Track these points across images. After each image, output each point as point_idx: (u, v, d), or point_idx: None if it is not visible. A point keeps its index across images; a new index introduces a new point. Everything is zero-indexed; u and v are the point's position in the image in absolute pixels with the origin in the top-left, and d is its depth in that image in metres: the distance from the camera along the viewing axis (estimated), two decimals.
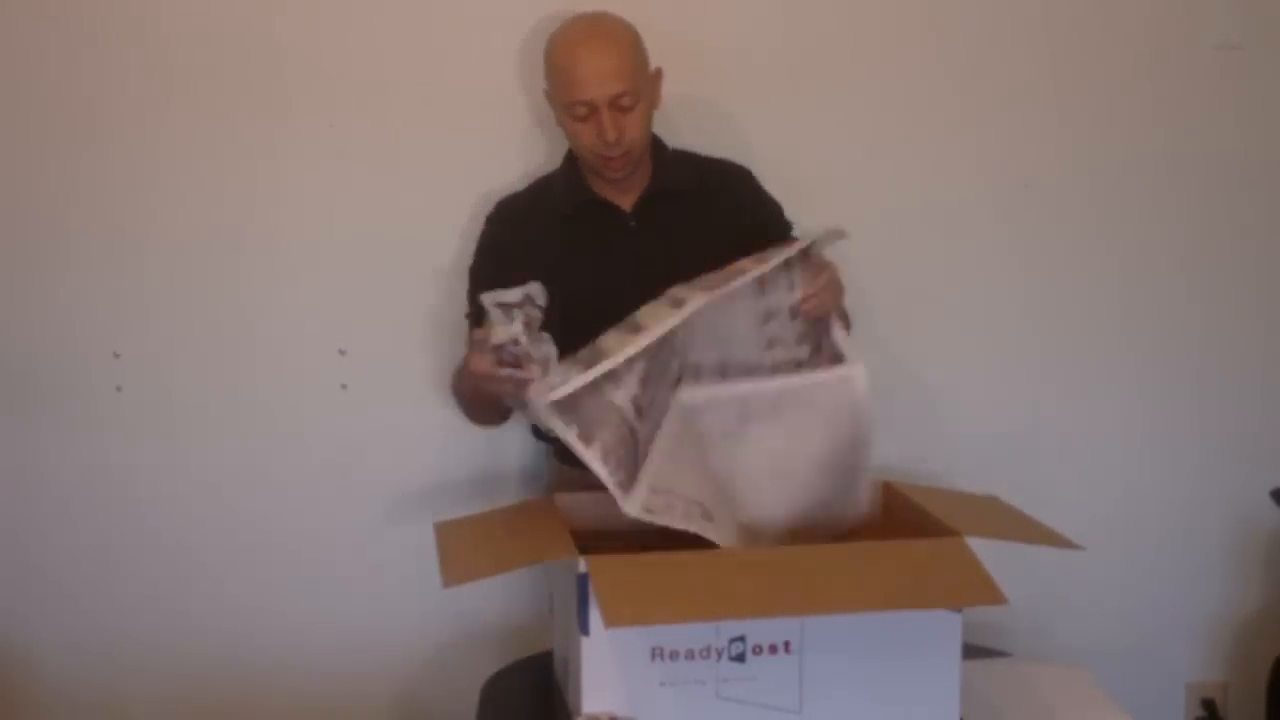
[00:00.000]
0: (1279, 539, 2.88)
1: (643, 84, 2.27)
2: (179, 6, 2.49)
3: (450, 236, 2.56)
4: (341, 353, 2.59)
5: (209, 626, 2.61)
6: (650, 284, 2.12)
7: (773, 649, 1.84)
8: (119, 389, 2.54)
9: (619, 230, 2.36)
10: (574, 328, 2.02)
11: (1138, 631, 2.86)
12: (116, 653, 2.59)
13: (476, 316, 2.22)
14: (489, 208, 2.47)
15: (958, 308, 2.75)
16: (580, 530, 1.96)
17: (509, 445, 2.63)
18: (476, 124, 2.57)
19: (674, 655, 1.82)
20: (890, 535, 2.12)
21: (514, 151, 2.57)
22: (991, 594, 1.76)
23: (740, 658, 1.83)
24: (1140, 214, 2.79)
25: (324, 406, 2.59)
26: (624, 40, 2.26)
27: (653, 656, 1.82)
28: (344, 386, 2.59)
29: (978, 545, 1.85)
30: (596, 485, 1.93)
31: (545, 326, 1.98)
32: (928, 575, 1.85)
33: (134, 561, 2.58)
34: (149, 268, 2.53)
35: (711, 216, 2.37)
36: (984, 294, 2.76)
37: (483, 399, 2.18)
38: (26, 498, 2.56)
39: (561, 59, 2.26)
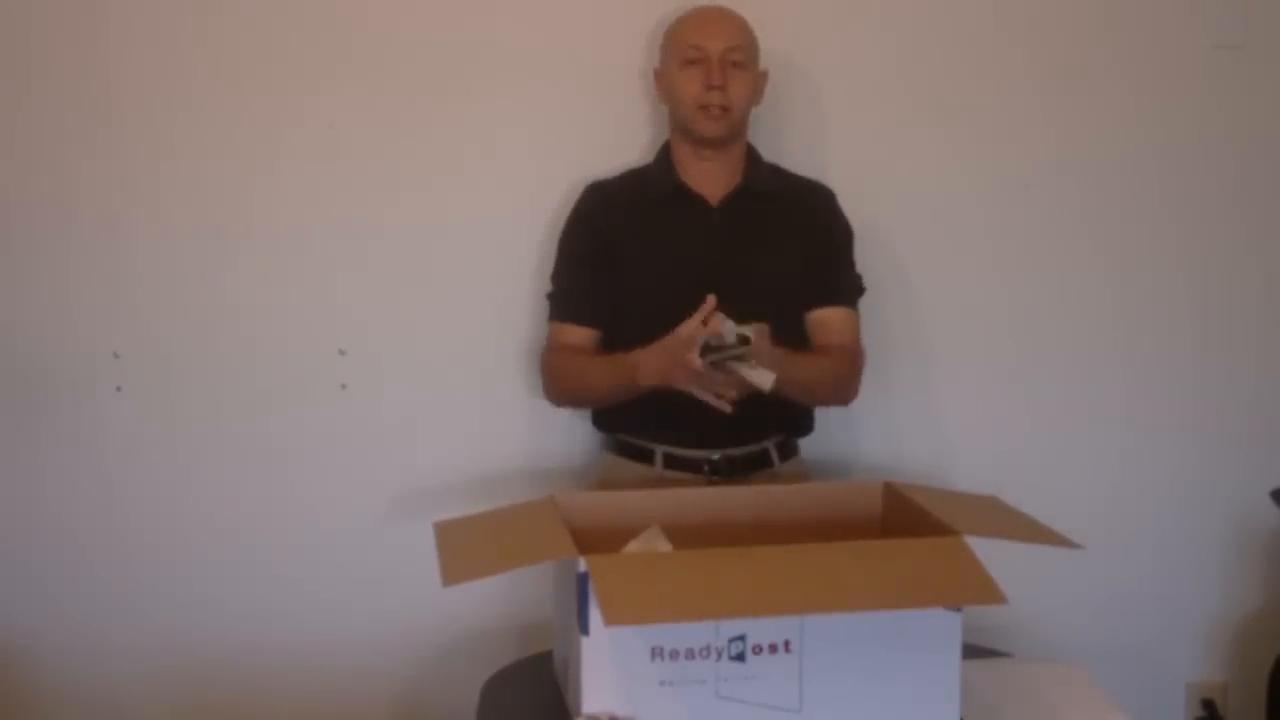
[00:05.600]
0: (1279, 539, 2.88)
1: (753, 60, 2.41)
2: (182, 5, 2.49)
3: (451, 237, 2.57)
4: (341, 353, 2.59)
5: (209, 626, 2.61)
6: (726, 276, 2.29)
7: (773, 648, 1.84)
8: (119, 389, 2.54)
9: (703, 222, 2.42)
10: (651, 311, 2.23)
11: (1138, 631, 2.86)
12: (116, 652, 2.59)
13: (562, 293, 2.42)
14: (489, 209, 2.47)
15: (958, 307, 2.75)
16: (580, 530, 1.96)
17: (509, 445, 2.63)
18: (478, 127, 2.57)
19: (674, 655, 1.82)
20: (890, 535, 2.12)
21: (517, 156, 2.58)
22: (991, 593, 1.76)
23: (740, 657, 1.83)
24: (1139, 215, 2.79)
25: (324, 406, 2.59)
26: (742, 19, 2.42)
27: (652, 656, 1.82)
28: (344, 386, 2.59)
29: (978, 545, 1.85)
30: (647, 479, 2.38)
31: (625, 308, 2.30)
32: (928, 575, 1.84)
33: (134, 561, 2.58)
34: (149, 268, 2.53)
35: (790, 223, 2.45)
36: (984, 294, 2.76)
37: (629, 386, 2.26)
38: (26, 498, 2.56)
39: (683, 16, 2.43)
